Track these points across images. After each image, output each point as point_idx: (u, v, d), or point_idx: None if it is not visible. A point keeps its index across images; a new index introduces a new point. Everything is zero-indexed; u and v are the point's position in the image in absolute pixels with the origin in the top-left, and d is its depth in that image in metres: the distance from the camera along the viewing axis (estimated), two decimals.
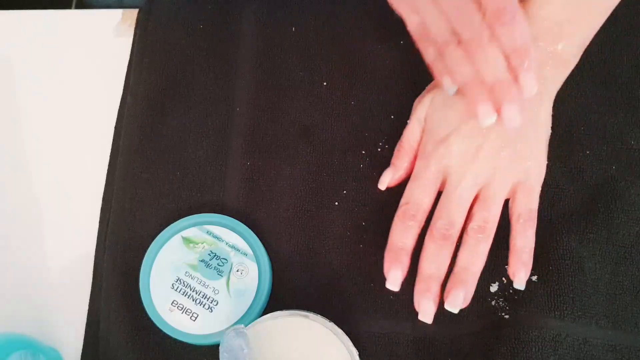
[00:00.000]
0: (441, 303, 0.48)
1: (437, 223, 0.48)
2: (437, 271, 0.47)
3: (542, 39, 0.49)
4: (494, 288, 0.50)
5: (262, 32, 0.58)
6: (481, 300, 0.50)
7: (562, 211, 0.51)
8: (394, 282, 0.48)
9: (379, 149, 0.54)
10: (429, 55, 0.45)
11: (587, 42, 0.51)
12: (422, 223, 0.49)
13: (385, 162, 0.53)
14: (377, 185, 0.53)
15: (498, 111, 0.44)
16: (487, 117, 0.44)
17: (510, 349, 0.47)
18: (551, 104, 0.51)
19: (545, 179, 0.51)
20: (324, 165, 0.54)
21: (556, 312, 0.48)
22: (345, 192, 0.53)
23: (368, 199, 0.53)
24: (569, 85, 0.54)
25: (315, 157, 0.54)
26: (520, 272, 0.48)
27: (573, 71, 0.54)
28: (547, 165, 0.51)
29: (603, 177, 0.52)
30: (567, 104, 0.54)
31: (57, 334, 0.52)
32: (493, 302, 0.50)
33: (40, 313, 0.53)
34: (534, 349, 0.47)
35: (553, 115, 0.52)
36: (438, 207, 0.49)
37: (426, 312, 0.47)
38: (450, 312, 0.48)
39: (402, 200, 0.50)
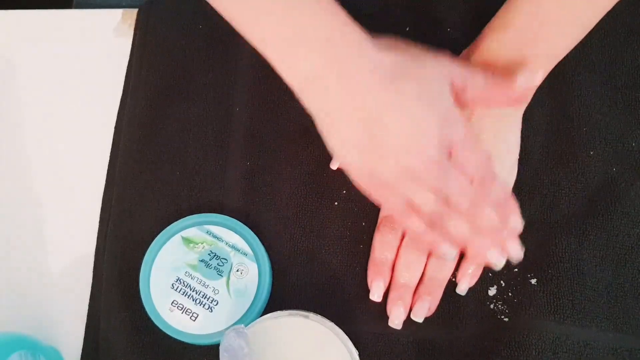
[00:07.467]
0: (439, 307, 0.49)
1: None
2: (409, 281, 0.49)
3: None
4: (492, 292, 0.50)
5: None
6: (480, 304, 0.50)
7: (561, 213, 0.51)
8: (376, 292, 0.50)
9: None
10: (418, 227, 0.46)
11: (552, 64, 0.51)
12: (402, 236, 0.51)
13: None
14: None
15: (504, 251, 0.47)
16: (500, 259, 0.47)
17: (510, 352, 0.47)
18: (519, 125, 0.52)
19: (545, 180, 0.52)
20: (324, 165, 0.54)
21: (556, 315, 0.48)
22: (345, 192, 0.53)
23: (368, 199, 0.53)
24: (571, 86, 0.54)
25: (315, 157, 0.54)
26: (464, 280, 0.50)
27: (574, 72, 0.54)
28: (548, 167, 0.52)
29: (603, 179, 0.52)
30: (569, 105, 0.54)
31: (57, 334, 0.52)
32: (492, 306, 0.50)
33: (40, 313, 0.53)
34: (534, 352, 0.47)
35: (555, 116, 0.53)
36: None
37: (396, 319, 0.49)
38: (450, 314, 0.49)
39: (382, 214, 0.52)
